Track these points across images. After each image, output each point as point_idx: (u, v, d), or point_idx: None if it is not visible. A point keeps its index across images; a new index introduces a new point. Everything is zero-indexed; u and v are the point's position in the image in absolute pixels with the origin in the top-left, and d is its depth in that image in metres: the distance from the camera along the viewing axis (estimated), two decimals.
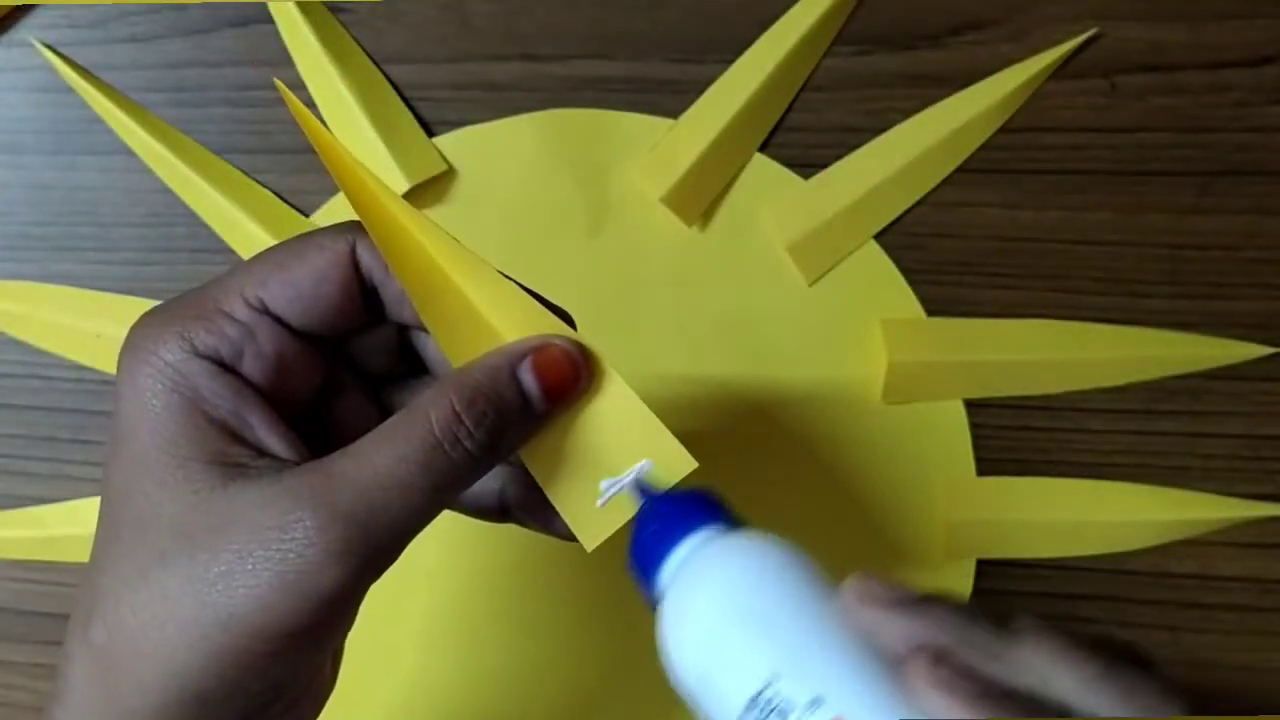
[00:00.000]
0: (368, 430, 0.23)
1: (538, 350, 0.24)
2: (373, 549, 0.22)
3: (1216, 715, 0.31)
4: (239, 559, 0.22)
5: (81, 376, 0.39)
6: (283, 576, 0.21)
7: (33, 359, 0.40)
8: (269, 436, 0.24)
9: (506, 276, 0.25)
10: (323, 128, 0.24)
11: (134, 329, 0.24)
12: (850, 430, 0.37)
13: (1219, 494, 0.37)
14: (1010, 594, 0.37)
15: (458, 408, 0.23)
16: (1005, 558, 0.37)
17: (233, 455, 0.23)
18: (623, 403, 0.25)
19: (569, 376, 0.24)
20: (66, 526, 0.39)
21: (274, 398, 0.24)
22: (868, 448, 0.37)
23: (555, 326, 0.25)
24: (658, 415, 0.25)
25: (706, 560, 0.24)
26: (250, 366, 0.24)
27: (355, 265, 0.25)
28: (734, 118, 0.37)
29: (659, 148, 0.37)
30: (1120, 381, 0.37)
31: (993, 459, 0.37)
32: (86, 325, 0.39)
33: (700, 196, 0.37)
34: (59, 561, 0.40)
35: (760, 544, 0.24)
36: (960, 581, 0.37)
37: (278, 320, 0.24)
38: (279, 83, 0.25)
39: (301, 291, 0.24)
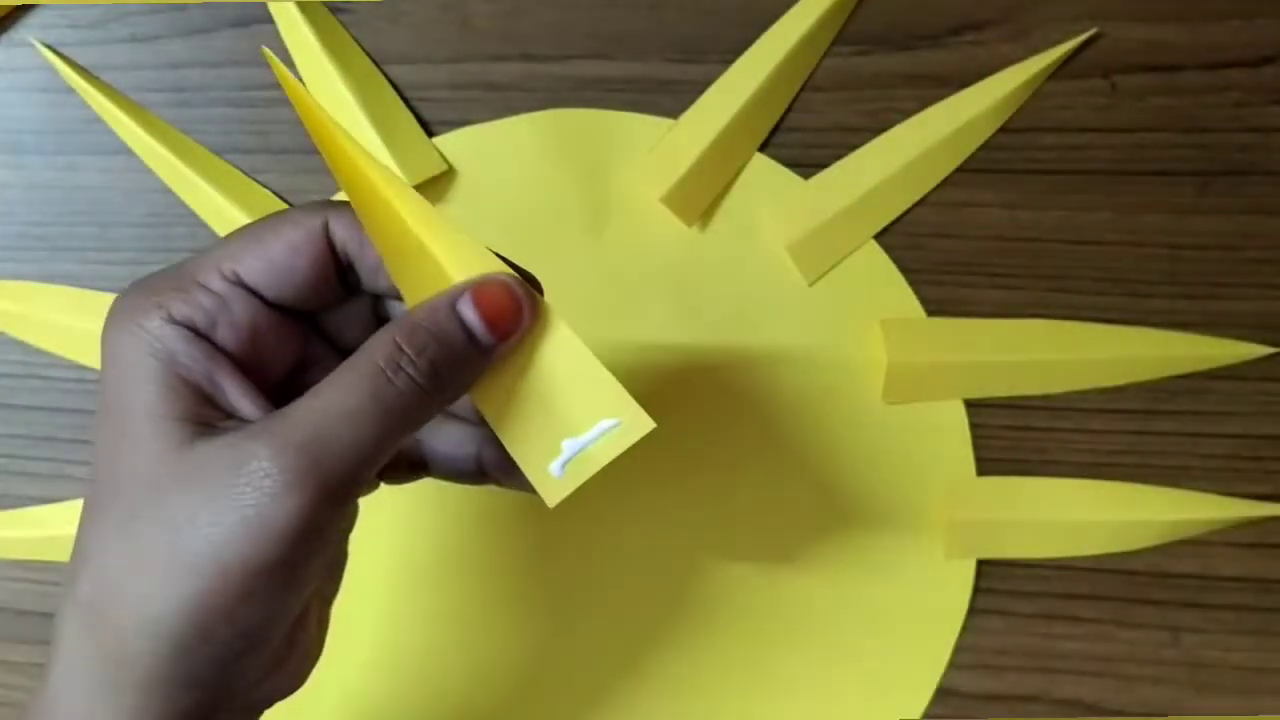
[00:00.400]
0: None
1: (477, 286, 0.25)
2: (327, 475, 0.23)
3: (1216, 715, 0.31)
4: (203, 503, 0.23)
5: (82, 376, 0.39)
6: (242, 512, 0.22)
7: (33, 359, 0.40)
8: (240, 400, 0.25)
9: (473, 239, 0.26)
10: (299, 84, 0.25)
11: (117, 301, 0.25)
12: (850, 430, 0.37)
13: (1219, 494, 0.37)
14: (1010, 594, 0.37)
15: (399, 340, 0.24)
16: (1005, 558, 0.37)
17: (205, 416, 0.24)
18: (579, 361, 0.25)
19: (509, 307, 0.25)
20: (67, 526, 0.39)
21: (248, 367, 0.25)
22: (868, 447, 0.37)
23: (506, 272, 0.26)
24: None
25: None
26: (224, 335, 0.25)
27: (328, 239, 0.26)
28: (734, 118, 0.37)
29: (659, 148, 0.37)
30: (1120, 381, 0.37)
31: (993, 459, 0.37)
32: (87, 325, 0.39)
33: (700, 196, 0.37)
34: (60, 561, 0.40)
35: None
36: (960, 581, 0.37)
37: (252, 293, 0.25)
38: (266, 51, 0.26)
39: (274, 264, 0.25)
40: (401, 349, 0.24)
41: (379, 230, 0.25)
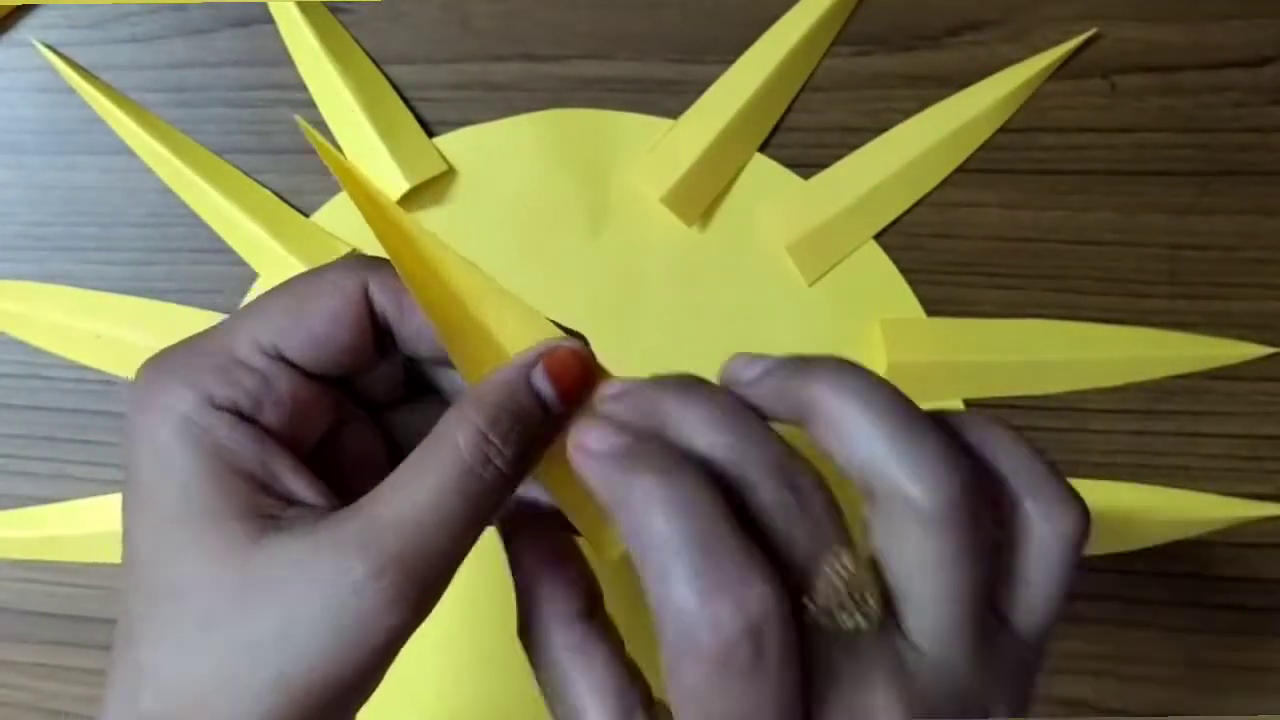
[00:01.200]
0: (375, 458, 0.23)
1: (547, 355, 0.24)
2: (425, 588, 0.22)
3: (1221, 715, 0.31)
4: (288, 618, 0.21)
5: (82, 376, 0.39)
6: (336, 629, 0.21)
7: (33, 359, 0.40)
8: (296, 484, 0.23)
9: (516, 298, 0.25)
10: (336, 153, 0.24)
11: (141, 379, 0.23)
12: None
13: (1219, 494, 0.37)
14: None
15: (483, 428, 0.22)
16: None
17: (264, 507, 0.22)
18: None
19: (580, 375, 0.24)
20: (67, 527, 0.39)
21: (290, 442, 0.24)
22: None
23: (559, 335, 0.25)
24: None
25: None
26: (269, 415, 0.23)
27: (369, 305, 0.24)
28: (734, 118, 0.37)
29: (659, 148, 0.37)
30: (1120, 381, 0.37)
31: None
32: (86, 325, 0.39)
33: (700, 196, 0.37)
34: (60, 561, 0.40)
35: None
36: None
37: (292, 365, 0.24)
38: (301, 121, 0.25)
39: (316, 336, 0.24)
40: (488, 438, 0.22)
41: (425, 295, 0.24)
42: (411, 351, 0.25)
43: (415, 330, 0.24)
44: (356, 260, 0.25)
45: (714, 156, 0.37)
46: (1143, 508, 0.37)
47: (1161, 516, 0.37)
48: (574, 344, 0.24)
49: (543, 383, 0.24)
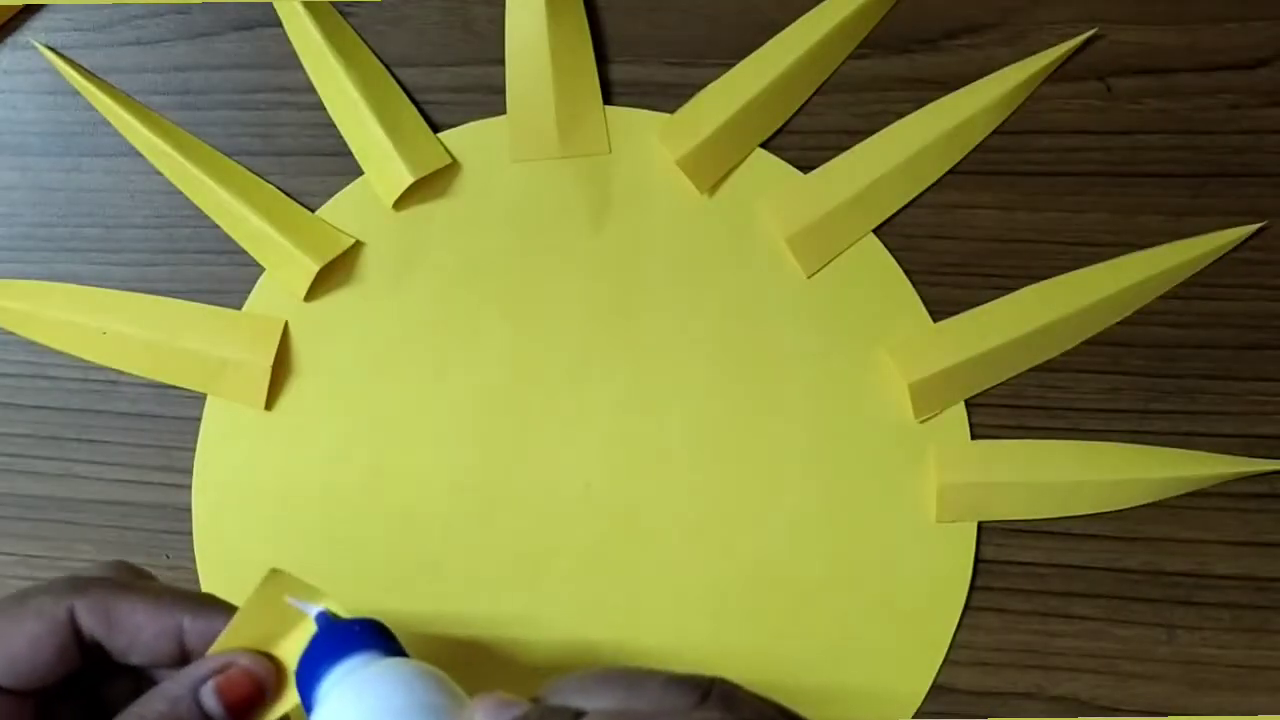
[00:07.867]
0: None
1: (219, 671, 0.26)
2: None
3: (1215, 714, 0.32)
4: None
5: (87, 376, 0.40)
6: None
7: (38, 358, 0.40)
8: None
9: None
10: None
11: None
12: (849, 427, 0.38)
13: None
14: (1007, 591, 0.37)
15: None
16: (998, 520, 0.37)
17: None
18: None
19: (249, 692, 0.26)
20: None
21: None
22: (866, 445, 0.38)
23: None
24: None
25: (359, 681, 0.25)
26: None
27: (74, 626, 0.26)
28: (760, 93, 0.37)
29: (680, 113, 0.38)
30: (1125, 313, 0.37)
31: None
32: (92, 322, 0.39)
33: (716, 165, 0.38)
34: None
35: (409, 670, 0.25)
36: (959, 576, 0.37)
37: None
38: None
39: (17, 659, 0.26)
40: None
41: None
42: (124, 660, 0.27)
43: (126, 643, 0.27)
44: (64, 583, 0.27)
45: (735, 127, 0.37)
46: (1135, 467, 0.37)
47: (1154, 474, 0.36)
48: (249, 662, 0.26)
49: (211, 701, 0.26)
